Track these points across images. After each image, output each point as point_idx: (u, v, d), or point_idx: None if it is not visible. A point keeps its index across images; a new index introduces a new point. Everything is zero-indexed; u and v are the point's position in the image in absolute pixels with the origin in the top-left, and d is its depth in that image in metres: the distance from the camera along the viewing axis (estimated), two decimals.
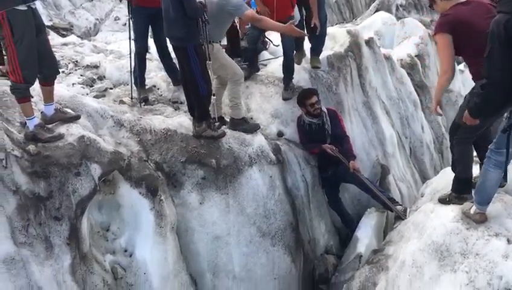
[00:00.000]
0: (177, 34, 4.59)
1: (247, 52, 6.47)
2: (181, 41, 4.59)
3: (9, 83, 4.26)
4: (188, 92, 4.93)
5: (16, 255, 3.35)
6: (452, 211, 3.70)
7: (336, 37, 7.11)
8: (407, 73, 8.82)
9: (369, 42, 7.52)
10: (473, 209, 3.48)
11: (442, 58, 3.63)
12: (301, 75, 6.17)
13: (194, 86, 4.70)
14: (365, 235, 5.44)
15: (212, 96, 4.92)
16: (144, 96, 5.74)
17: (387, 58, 8.07)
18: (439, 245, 3.54)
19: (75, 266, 3.72)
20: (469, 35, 3.43)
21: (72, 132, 4.15)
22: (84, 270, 3.81)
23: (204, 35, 4.63)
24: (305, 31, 5.84)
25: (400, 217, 5.28)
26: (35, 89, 4.26)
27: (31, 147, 3.76)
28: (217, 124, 5.04)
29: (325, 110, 5.65)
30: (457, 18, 3.48)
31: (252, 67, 6.33)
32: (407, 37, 10.54)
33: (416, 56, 9.75)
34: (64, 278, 3.62)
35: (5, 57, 4.11)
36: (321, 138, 5.63)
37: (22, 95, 3.92)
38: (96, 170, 4.04)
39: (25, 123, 3.98)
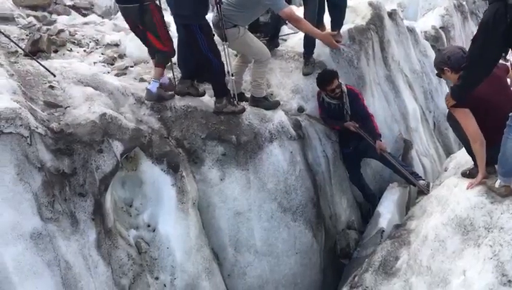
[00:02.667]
0: (184, 12, 4.55)
1: (269, 28, 6.40)
2: (187, 19, 4.57)
3: (33, 62, 4.39)
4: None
5: (43, 230, 3.44)
6: (476, 185, 3.63)
7: (357, 10, 6.95)
8: (432, 45, 8.62)
9: (392, 14, 7.35)
10: (498, 182, 3.41)
11: (466, 129, 3.55)
12: (322, 50, 6.07)
13: (208, 63, 4.70)
14: (387, 211, 5.41)
15: (231, 77, 4.94)
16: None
17: (411, 30, 7.87)
18: (463, 219, 3.48)
19: (100, 240, 3.81)
20: (485, 110, 3.40)
21: (94, 109, 4.20)
22: (109, 245, 3.90)
23: (220, 15, 4.62)
24: (326, 4, 5.76)
25: (423, 191, 5.23)
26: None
27: (54, 125, 3.82)
28: (235, 101, 5.05)
29: (345, 89, 5.55)
30: (481, 100, 3.38)
31: (271, 42, 6.26)
32: (431, 8, 10.25)
33: (441, 28, 9.50)
34: (90, 253, 3.72)
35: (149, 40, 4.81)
36: (340, 116, 5.57)
37: (166, 62, 4.96)
38: (118, 147, 4.09)
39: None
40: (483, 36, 2.93)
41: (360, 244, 5.39)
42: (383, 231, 5.16)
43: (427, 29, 9.36)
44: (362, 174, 5.94)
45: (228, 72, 5.04)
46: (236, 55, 5.75)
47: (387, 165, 5.70)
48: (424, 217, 4.31)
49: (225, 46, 4.85)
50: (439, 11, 9.98)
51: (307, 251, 5.09)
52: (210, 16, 4.93)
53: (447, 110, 3.80)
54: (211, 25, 4.80)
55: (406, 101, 6.86)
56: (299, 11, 6.06)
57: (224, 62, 4.78)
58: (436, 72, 3.80)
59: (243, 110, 4.95)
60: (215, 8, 4.69)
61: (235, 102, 4.95)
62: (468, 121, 3.48)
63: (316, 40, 5.88)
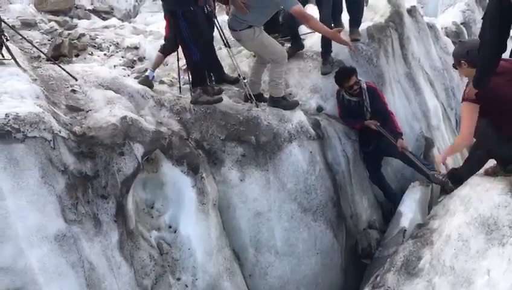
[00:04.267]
0: None
1: (284, 28, 6.38)
2: (172, 5, 4.64)
3: (55, 67, 4.47)
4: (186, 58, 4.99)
5: (67, 232, 3.49)
6: (500, 183, 3.57)
7: (376, 7, 6.90)
8: (453, 42, 8.48)
9: (411, 11, 7.28)
10: None
11: (463, 124, 3.55)
12: (340, 49, 6.02)
13: (188, 52, 4.76)
14: (409, 210, 5.35)
15: (243, 80, 5.01)
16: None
17: (431, 27, 7.77)
18: (487, 218, 3.43)
19: (123, 242, 3.86)
20: (501, 108, 3.35)
21: (114, 112, 4.25)
22: (131, 246, 3.94)
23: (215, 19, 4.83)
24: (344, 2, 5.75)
25: (445, 190, 5.15)
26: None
27: (77, 128, 3.89)
28: (253, 101, 5.13)
29: (365, 86, 5.50)
30: (492, 91, 3.31)
31: (295, 45, 6.22)
32: (452, 3, 10.09)
33: (462, 24, 9.34)
34: (113, 254, 3.77)
35: None
36: (360, 114, 5.53)
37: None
38: (139, 149, 4.14)
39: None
40: (490, 11, 2.95)
41: (381, 244, 5.34)
42: (405, 230, 5.10)
43: (447, 25, 9.22)
44: (383, 173, 5.89)
45: (239, 74, 5.09)
46: (254, 56, 5.76)
47: (409, 163, 5.64)
48: (446, 216, 4.24)
49: (230, 51, 4.95)
50: (460, 6, 9.82)
51: (327, 251, 5.06)
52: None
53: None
54: (227, 26, 4.86)
55: (427, 98, 6.78)
56: (315, 10, 6.03)
57: (234, 66, 4.82)
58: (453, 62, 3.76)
59: (219, 100, 4.95)
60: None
61: (213, 91, 4.97)
62: (470, 116, 3.44)
63: None
